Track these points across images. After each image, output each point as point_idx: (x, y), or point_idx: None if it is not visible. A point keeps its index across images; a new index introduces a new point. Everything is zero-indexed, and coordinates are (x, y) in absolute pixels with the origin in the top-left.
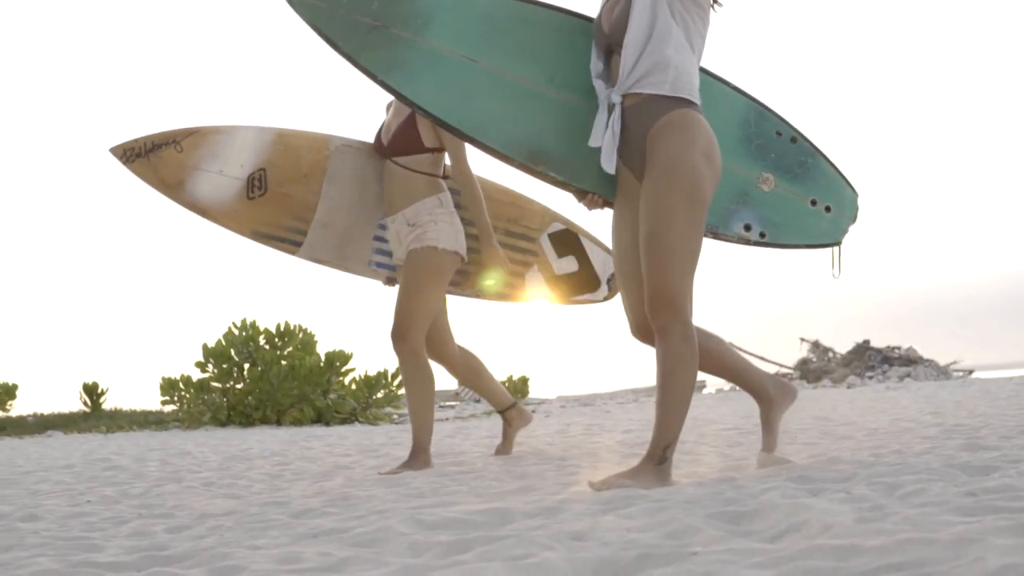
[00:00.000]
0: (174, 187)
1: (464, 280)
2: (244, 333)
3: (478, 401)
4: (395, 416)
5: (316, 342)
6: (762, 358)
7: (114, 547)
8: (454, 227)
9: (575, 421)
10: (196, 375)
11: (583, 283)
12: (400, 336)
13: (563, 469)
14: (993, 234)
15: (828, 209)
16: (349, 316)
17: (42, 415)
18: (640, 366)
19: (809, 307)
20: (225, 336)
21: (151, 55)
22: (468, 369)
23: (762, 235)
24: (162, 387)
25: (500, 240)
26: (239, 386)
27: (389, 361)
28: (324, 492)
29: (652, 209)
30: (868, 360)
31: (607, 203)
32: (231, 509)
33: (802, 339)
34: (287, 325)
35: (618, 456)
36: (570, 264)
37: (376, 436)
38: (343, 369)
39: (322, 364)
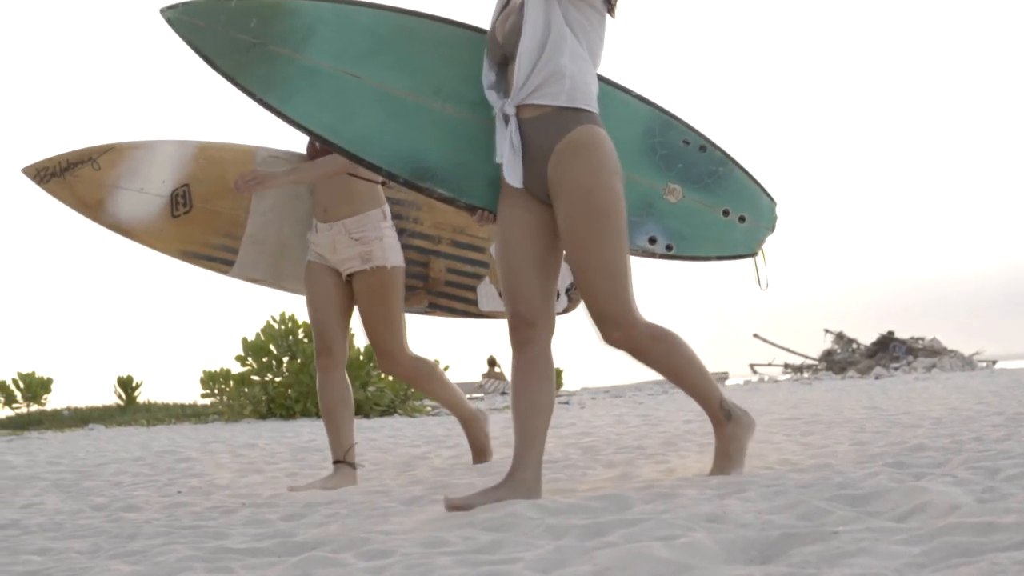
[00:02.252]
0: (94, 207)
1: (411, 296)
2: (283, 327)
3: (504, 393)
4: (429, 408)
5: (354, 335)
6: (788, 349)
7: (238, 535)
8: (396, 240)
9: (622, 412)
10: (235, 369)
11: None
12: (391, 362)
13: (651, 456)
14: (998, 226)
15: (743, 219)
16: None
17: (77, 408)
18: None
19: (818, 299)
20: (264, 330)
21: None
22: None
23: (669, 248)
24: (202, 381)
25: (446, 251)
26: (278, 379)
27: (429, 353)
28: (420, 480)
29: (578, 238)
30: (893, 351)
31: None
32: (333, 498)
33: (826, 331)
34: None
35: (696, 445)
36: None
37: (433, 427)
38: None
39: (361, 357)
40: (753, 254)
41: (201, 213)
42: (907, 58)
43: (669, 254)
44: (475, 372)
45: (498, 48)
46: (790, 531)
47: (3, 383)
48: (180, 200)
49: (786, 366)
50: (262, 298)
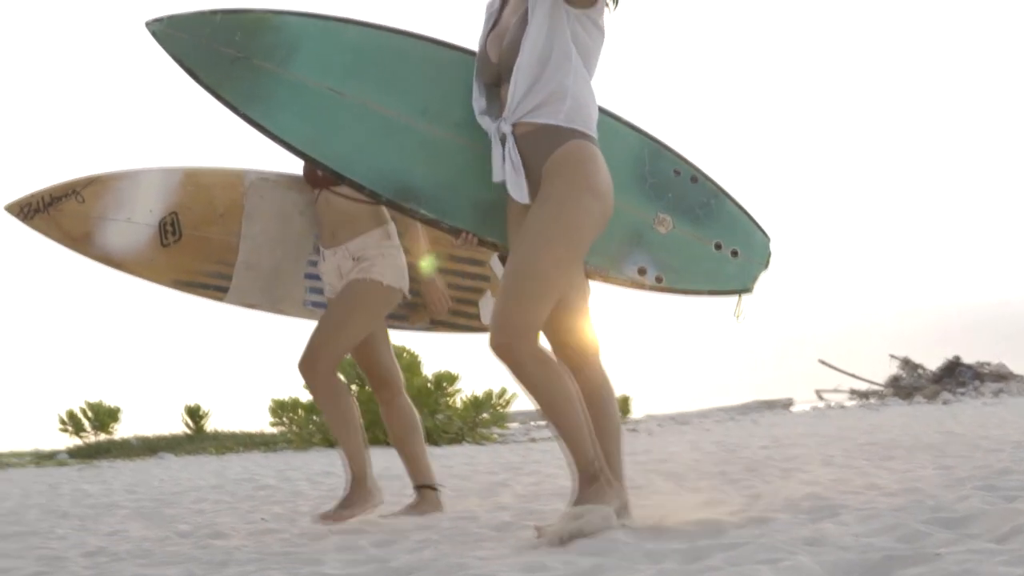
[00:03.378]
0: (81, 241)
1: (412, 313)
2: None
3: None
4: (497, 436)
5: (421, 363)
6: (854, 375)
7: (332, 561)
8: (400, 262)
9: (694, 438)
10: (304, 397)
11: None
12: (310, 365)
13: (735, 482)
14: None
15: (735, 253)
16: (452, 337)
17: (145, 437)
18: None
19: (877, 323)
20: None
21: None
22: (402, 422)
23: (658, 279)
24: (272, 409)
25: (445, 266)
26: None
27: (495, 381)
28: (506, 507)
29: (527, 236)
30: (960, 376)
31: (483, 242)
32: (423, 524)
33: (892, 356)
34: (393, 347)
35: (779, 470)
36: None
37: (507, 455)
38: (450, 389)
39: (430, 385)
40: (747, 291)
41: (191, 241)
42: (968, 72)
43: (659, 286)
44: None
45: (490, 68)
46: (891, 553)
47: (71, 412)
48: (169, 229)
49: (852, 392)
50: None
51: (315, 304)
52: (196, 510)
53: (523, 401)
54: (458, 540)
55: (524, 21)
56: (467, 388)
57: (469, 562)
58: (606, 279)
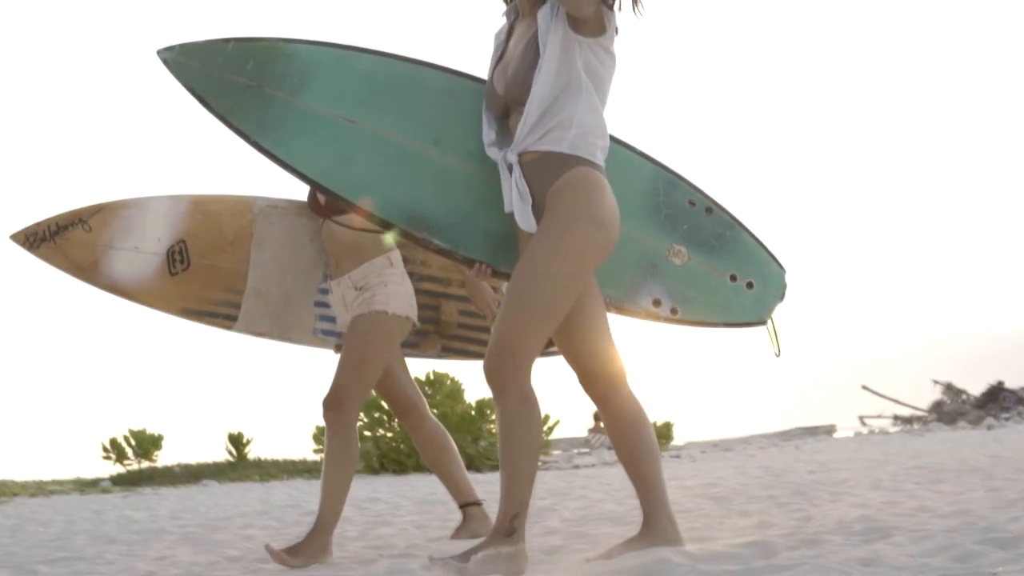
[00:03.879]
0: (88, 270)
1: (423, 341)
2: None
3: (610, 448)
4: (540, 463)
5: (463, 390)
6: (897, 401)
7: None
8: (405, 289)
9: (739, 463)
10: None
11: None
12: (335, 406)
13: (784, 505)
14: None
15: (750, 285)
16: None
17: (187, 465)
18: (756, 409)
19: (888, 354)
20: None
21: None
22: (435, 444)
23: (673, 311)
24: (315, 436)
25: (457, 292)
26: (390, 435)
27: (540, 406)
28: (554, 531)
29: (527, 263)
30: (1003, 401)
31: (496, 272)
32: (466, 547)
33: (935, 381)
34: (435, 374)
35: (827, 494)
36: None
37: (552, 481)
38: (492, 416)
39: (472, 412)
40: (762, 323)
41: (200, 269)
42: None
43: (674, 318)
44: (581, 427)
45: (497, 100)
46: (947, 573)
47: (114, 440)
48: (177, 257)
49: (895, 417)
50: None
51: (325, 332)
52: (244, 535)
53: (565, 428)
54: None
55: (528, 51)
56: None
57: None
58: (621, 311)
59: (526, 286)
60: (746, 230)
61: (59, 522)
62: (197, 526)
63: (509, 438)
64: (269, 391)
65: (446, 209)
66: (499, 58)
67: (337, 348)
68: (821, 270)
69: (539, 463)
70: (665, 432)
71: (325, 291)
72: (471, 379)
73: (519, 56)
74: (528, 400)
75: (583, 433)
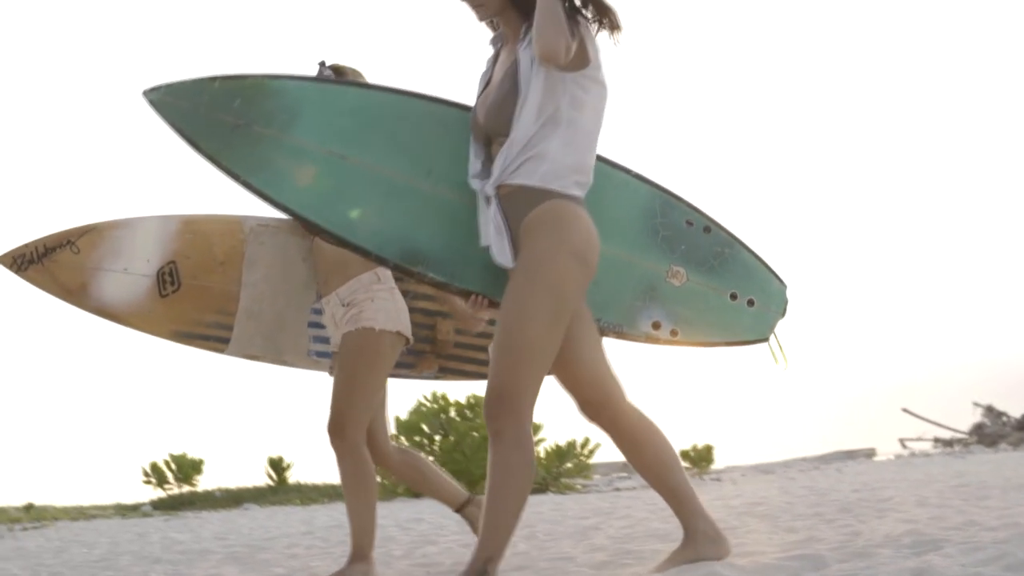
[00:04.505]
0: (76, 292)
1: (419, 361)
2: (435, 406)
3: None
4: (580, 486)
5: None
6: (937, 423)
7: None
8: (395, 304)
9: (783, 484)
10: None
11: None
12: (338, 431)
13: (831, 521)
14: None
15: (751, 303)
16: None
17: (228, 489)
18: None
19: (927, 378)
20: (415, 410)
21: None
22: (408, 467)
23: (673, 333)
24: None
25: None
26: (429, 458)
27: (578, 431)
28: (600, 548)
29: (509, 306)
30: None
31: (493, 303)
32: (521, 564)
33: (975, 404)
34: (477, 397)
35: (874, 510)
36: None
37: (596, 502)
38: (536, 438)
39: None
40: (765, 340)
41: (191, 290)
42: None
43: (674, 340)
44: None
45: (480, 129)
46: None
47: (155, 464)
48: (167, 278)
49: (936, 440)
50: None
51: (319, 354)
52: (289, 555)
53: (606, 452)
54: None
55: (507, 81)
56: (550, 438)
57: None
58: (620, 335)
59: (512, 328)
60: (745, 247)
61: (103, 544)
62: (242, 546)
63: (498, 483)
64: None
65: (441, 242)
66: (484, 86)
67: (331, 370)
68: (861, 295)
69: (580, 487)
70: (706, 455)
71: (319, 311)
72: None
73: (497, 86)
74: (522, 446)
75: (623, 457)
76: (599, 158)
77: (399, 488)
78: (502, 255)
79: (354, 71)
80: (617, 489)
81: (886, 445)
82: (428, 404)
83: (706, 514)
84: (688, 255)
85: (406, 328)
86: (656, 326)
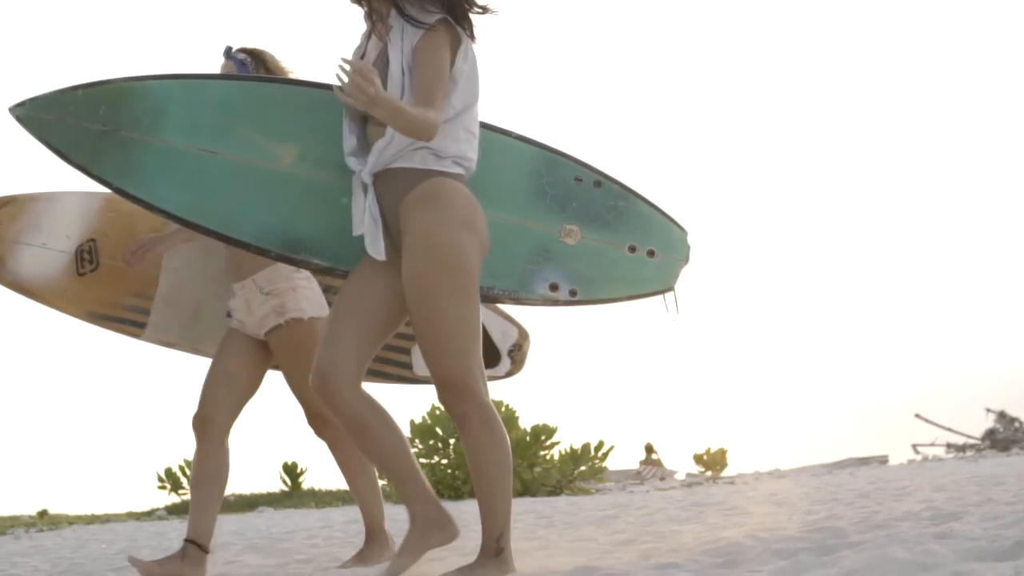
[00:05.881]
0: None
1: (384, 366)
2: None
3: (663, 479)
4: (594, 490)
5: (518, 417)
6: (950, 429)
7: None
8: (311, 291)
9: (800, 481)
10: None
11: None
12: (321, 424)
13: (850, 504)
14: None
15: (652, 253)
16: (551, 390)
17: (242, 495)
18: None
19: (939, 388)
20: (430, 413)
21: None
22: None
23: (573, 293)
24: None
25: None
26: (444, 461)
27: (593, 434)
28: (622, 531)
29: (418, 294)
30: None
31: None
32: (544, 545)
33: (988, 410)
34: (491, 400)
35: (890, 496)
36: None
37: (611, 497)
38: (548, 442)
39: (528, 438)
40: (670, 289)
41: (109, 270)
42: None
43: (574, 300)
44: (632, 459)
45: (354, 108)
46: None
47: (169, 469)
48: (86, 256)
49: (949, 445)
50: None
51: None
52: (310, 544)
53: (617, 460)
54: (581, 553)
55: (380, 63)
56: (564, 441)
57: (601, 564)
58: (517, 301)
59: (431, 320)
60: (640, 198)
61: (121, 541)
62: (262, 539)
63: (479, 463)
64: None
65: (322, 227)
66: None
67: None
68: (873, 306)
69: (594, 491)
70: (720, 458)
71: (233, 296)
72: (526, 405)
73: (373, 62)
74: (489, 422)
75: (634, 465)
76: (482, 124)
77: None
78: (375, 247)
79: (272, 57)
80: (631, 492)
81: (899, 454)
82: (442, 408)
83: (434, 499)
84: (580, 212)
85: (327, 310)
86: (554, 288)
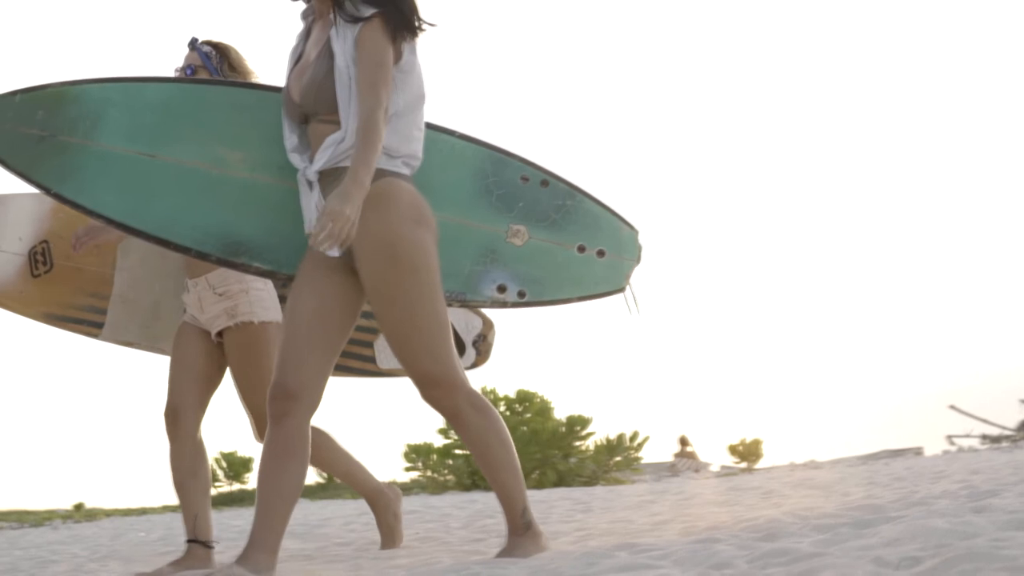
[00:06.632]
0: None
1: (347, 360)
2: None
3: (697, 471)
4: (630, 480)
5: (553, 408)
6: (985, 420)
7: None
8: (265, 293)
9: (835, 469)
10: (438, 442)
11: None
12: (263, 430)
13: (887, 486)
14: None
15: (601, 253)
16: (585, 381)
17: None
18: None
19: (972, 382)
20: None
21: None
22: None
23: (521, 294)
24: (406, 454)
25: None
26: None
27: (628, 425)
28: (659, 514)
29: (382, 296)
30: None
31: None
32: (581, 527)
33: (1022, 401)
34: (525, 392)
35: (930, 478)
36: None
37: (648, 486)
38: (583, 433)
39: (562, 428)
40: (621, 290)
41: (63, 271)
42: None
43: (523, 301)
44: (666, 452)
45: (295, 107)
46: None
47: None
48: (39, 258)
49: (984, 437)
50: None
51: None
52: (348, 529)
53: (652, 451)
54: (619, 534)
55: (323, 60)
56: (600, 431)
57: (640, 543)
58: (464, 304)
59: (400, 316)
60: (589, 197)
61: (159, 530)
62: (300, 525)
63: (484, 451)
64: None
65: (263, 230)
66: (296, 61)
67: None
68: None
69: (630, 481)
70: (754, 449)
71: (187, 292)
72: (561, 396)
73: (314, 64)
74: (480, 409)
75: (668, 458)
76: (426, 125)
77: (449, 482)
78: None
79: (237, 52)
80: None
81: (933, 446)
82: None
83: (274, 555)
84: (527, 212)
85: (279, 315)
86: (501, 289)
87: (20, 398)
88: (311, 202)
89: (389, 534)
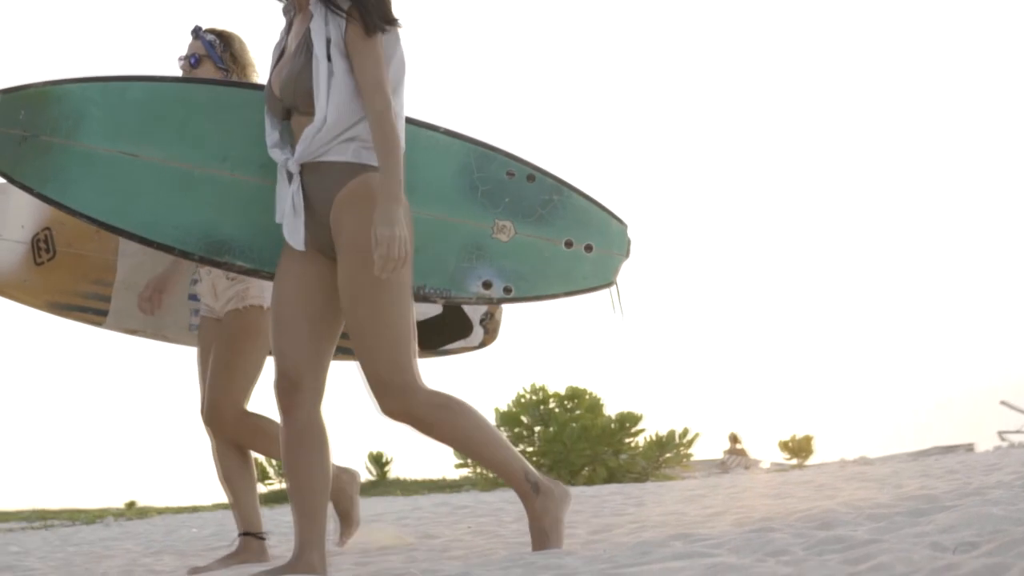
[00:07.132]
0: None
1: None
2: (534, 397)
3: (747, 468)
4: (681, 476)
5: (603, 404)
6: None
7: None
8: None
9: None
10: None
11: (451, 329)
12: (216, 419)
13: (941, 479)
14: None
15: (589, 248)
16: (636, 377)
17: None
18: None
19: (1018, 378)
20: (516, 401)
21: None
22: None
23: (507, 290)
24: (456, 452)
25: None
26: (531, 449)
27: (678, 421)
28: (711, 507)
29: (353, 295)
30: None
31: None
32: (634, 519)
33: None
34: (575, 388)
35: (979, 471)
36: (431, 308)
37: (701, 481)
38: (633, 430)
39: (613, 425)
40: (609, 285)
41: (66, 259)
42: None
43: (509, 297)
44: (716, 450)
45: (277, 102)
46: None
47: (256, 460)
48: (42, 246)
49: None
50: (514, 369)
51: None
52: (401, 524)
53: (703, 449)
54: (673, 525)
55: (301, 54)
56: (650, 428)
57: (694, 533)
58: (449, 300)
59: (366, 314)
60: (576, 191)
61: (211, 526)
62: None
63: (465, 441)
64: None
65: (246, 228)
66: (279, 58)
67: (191, 328)
68: (958, 294)
69: (681, 478)
70: (805, 445)
71: (197, 280)
72: (612, 393)
73: (293, 56)
74: (441, 404)
75: (719, 455)
76: (409, 120)
77: (500, 479)
78: (294, 237)
79: (240, 41)
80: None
81: (984, 442)
82: (528, 395)
83: (323, 549)
84: (513, 207)
85: None
86: (487, 285)
87: (73, 399)
88: (287, 193)
89: (346, 518)
